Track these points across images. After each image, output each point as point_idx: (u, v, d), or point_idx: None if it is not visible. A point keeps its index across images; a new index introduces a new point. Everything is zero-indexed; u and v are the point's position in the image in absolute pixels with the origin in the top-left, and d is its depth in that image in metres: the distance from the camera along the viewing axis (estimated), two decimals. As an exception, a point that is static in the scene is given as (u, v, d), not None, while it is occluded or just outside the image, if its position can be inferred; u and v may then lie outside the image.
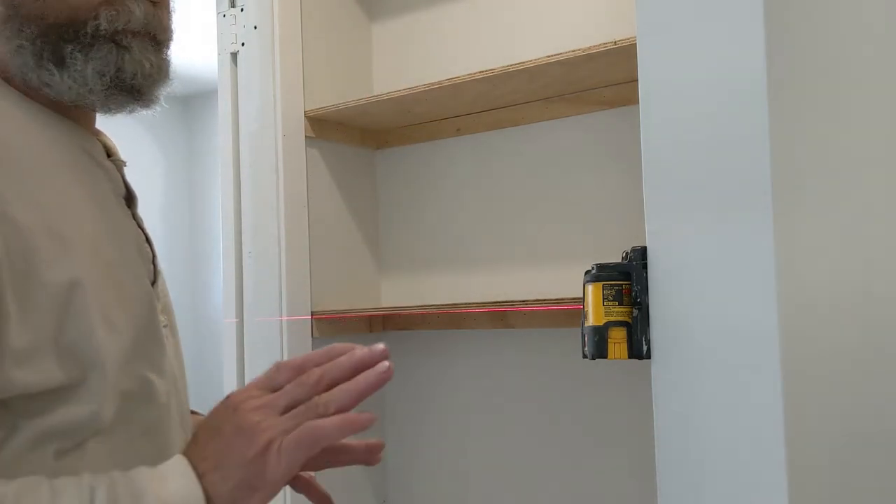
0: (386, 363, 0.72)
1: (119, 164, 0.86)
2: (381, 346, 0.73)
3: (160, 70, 0.81)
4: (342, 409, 0.70)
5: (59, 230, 0.72)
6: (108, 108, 0.81)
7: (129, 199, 0.86)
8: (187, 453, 0.72)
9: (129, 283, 0.79)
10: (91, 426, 0.72)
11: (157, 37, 0.81)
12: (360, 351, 0.73)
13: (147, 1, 0.79)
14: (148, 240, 0.87)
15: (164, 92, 0.84)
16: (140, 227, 0.86)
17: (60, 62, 0.76)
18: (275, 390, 0.73)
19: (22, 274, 0.67)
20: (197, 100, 4.89)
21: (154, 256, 0.87)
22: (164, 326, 0.85)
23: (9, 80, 0.78)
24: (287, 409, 0.71)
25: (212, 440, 0.71)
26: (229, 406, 0.73)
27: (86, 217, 0.76)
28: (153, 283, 0.85)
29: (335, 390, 0.71)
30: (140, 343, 0.78)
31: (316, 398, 0.70)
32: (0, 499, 0.63)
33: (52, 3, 0.75)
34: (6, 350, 0.66)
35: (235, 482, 0.69)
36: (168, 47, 0.84)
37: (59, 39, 0.76)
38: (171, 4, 0.86)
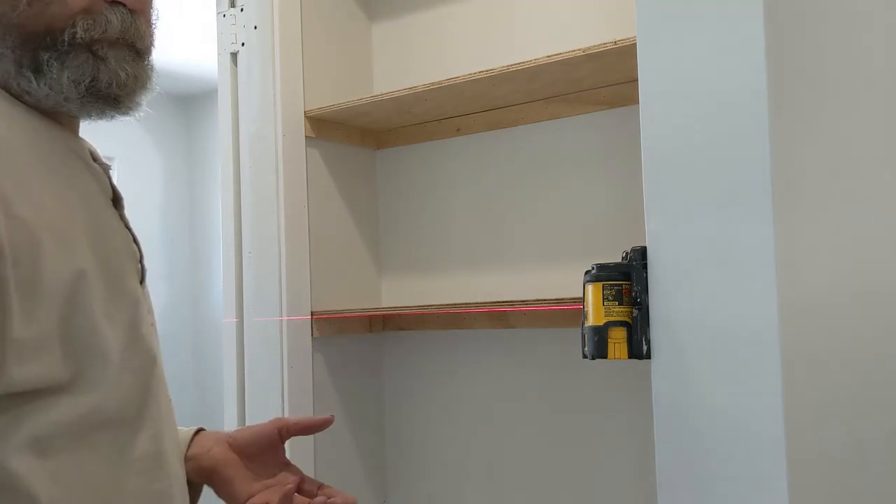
0: None
1: (105, 167, 0.88)
2: None
3: (137, 79, 0.82)
4: None
5: (58, 226, 0.73)
6: (87, 115, 0.83)
7: (116, 200, 0.88)
8: None
9: (120, 280, 0.80)
10: (95, 417, 0.74)
11: (135, 45, 0.82)
12: None
13: (125, 10, 0.80)
14: (135, 240, 0.89)
15: (145, 99, 0.85)
16: (127, 227, 0.88)
17: (38, 70, 0.77)
18: None
19: (26, 268, 0.68)
20: (197, 100, 4.89)
21: (141, 256, 0.89)
22: (151, 325, 0.86)
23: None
24: None
25: None
26: None
27: (79, 215, 0.77)
28: (141, 282, 0.87)
29: None
30: (131, 339, 0.79)
31: None
32: None
33: (31, 13, 0.76)
34: (8, 344, 0.67)
35: None
36: (149, 55, 0.85)
37: (37, 48, 0.77)
38: (153, 14, 0.88)
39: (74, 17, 0.78)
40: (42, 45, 0.77)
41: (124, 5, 0.81)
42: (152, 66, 0.86)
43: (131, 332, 0.80)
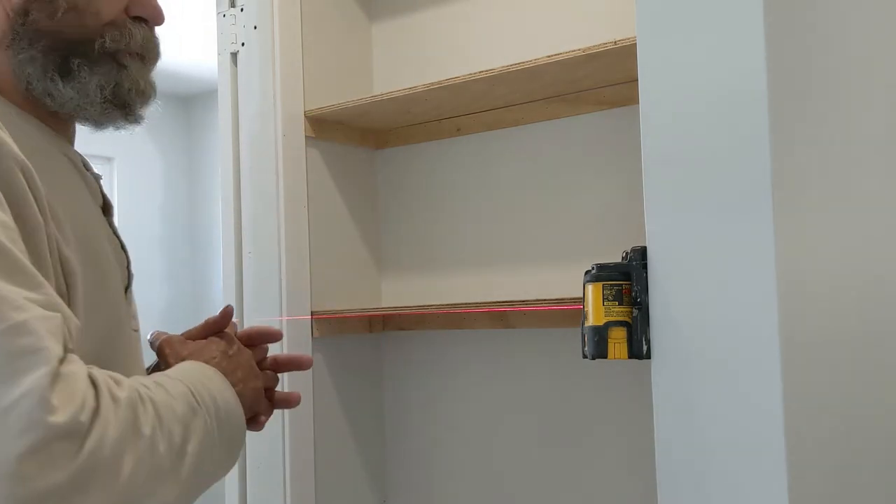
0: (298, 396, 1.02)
1: (96, 176, 0.91)
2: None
3: (152, 88, 0.90)
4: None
5: (58, 220, 0.76)
6: (101, 122, 0.88)
7: (106, 208, 0.91)
8: (210, 362, 0.86)
9: (102, 283, 0.81)
10: None
11: (147, 57, 0.89)
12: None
13: (146, 25, 0.88)
14: (123, 247, 0.91)
15: (149, 109, 0.92)
16: (115, 234, 0.91)
17: (66, 74, 0.82)
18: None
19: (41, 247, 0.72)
20: (197, 100, 4.89)
21: (128, 263, 0.91)
22: (135, 331, 0.88)
23: (1, 90, 0.82)
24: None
25: (237, 368, 0.89)
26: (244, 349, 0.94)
27: (68, 216, 0.79)
28: (127, 287, 0.89)
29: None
30: (109, 342, 0.81)
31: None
32: (150, 397, 0.70)
33: (66, 21, 0.82)
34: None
35: (250, 402, 0.89)
36: (154, 68, 0.93)
37: (68, 53, 0.83)
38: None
39: (103, 28, 0.84)
40: (74, 51, 0.83)
41: (146, 21, 0.88)
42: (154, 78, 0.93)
43: (110, 336, 0.81)
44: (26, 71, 0.81)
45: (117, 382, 0.68)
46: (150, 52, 0.89)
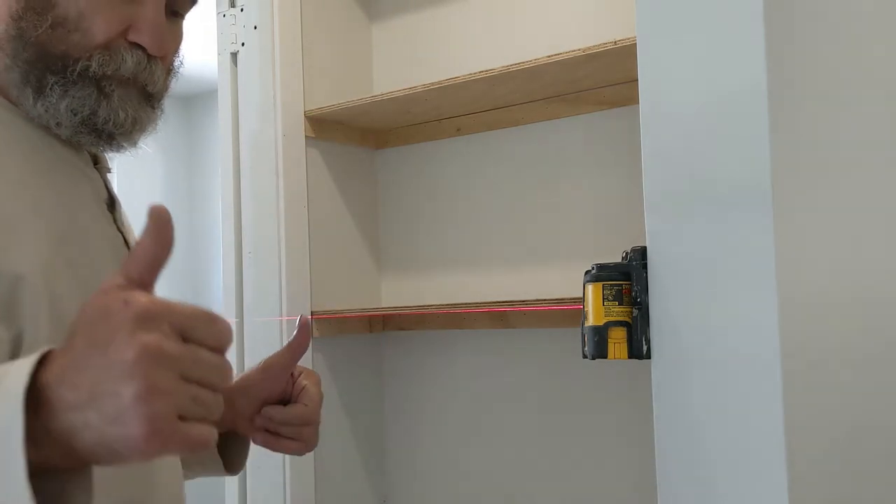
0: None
1: (103, 172, 0.89)
2: None
3: (137, 122, 0.83)
4: None
5: (14, 225, 0.73)
6: (77, 142, 0.83)
7: (112, 203, 0.88)
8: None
9: (88, 282, 0.79)
10: None
11: (146, 88, 0.83)
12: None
13: (143, 53, 0.81)
14: (128, 243, 0.89)
15: (144, 139, 0.86)
16: (121, 230, 0.88)
17: (39, 90, 0.78)
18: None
19: None
20: (197, 100, 4.88)
21: None
22: None
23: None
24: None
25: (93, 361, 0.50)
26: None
27: (49, 218, 0.77)
28: None
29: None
30: None
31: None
32: None
33: (53, 36, 0.78)
34: None
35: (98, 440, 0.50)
36: (160, 100, 0.86)
37: (46, 69, 0.78)
38: (176, 60, 0.89)
39: (93, 50, 0.78)
40: (52, 68, 0.78)
41: (144, 49, 0.81)
42: (161, 110, 0.87)
43: None
44: (7, 78, 0.79)
45: None
46: (149, 83, 0.83)
